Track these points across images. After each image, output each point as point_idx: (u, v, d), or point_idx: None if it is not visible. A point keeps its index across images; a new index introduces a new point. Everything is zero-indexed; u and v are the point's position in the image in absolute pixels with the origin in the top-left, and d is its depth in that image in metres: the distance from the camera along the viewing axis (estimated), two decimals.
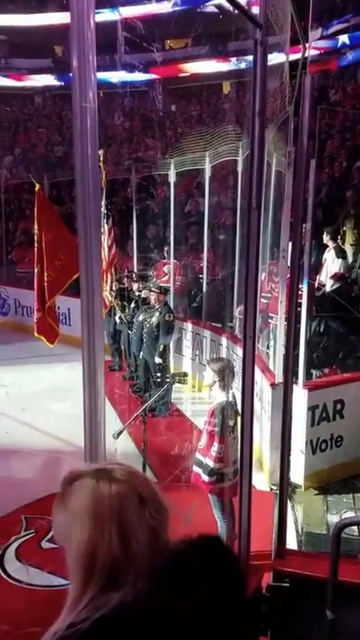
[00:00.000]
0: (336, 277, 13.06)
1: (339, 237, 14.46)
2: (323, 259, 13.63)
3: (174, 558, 2.12)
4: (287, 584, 4.95)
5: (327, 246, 13.65)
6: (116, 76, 30.65)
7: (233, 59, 29.52)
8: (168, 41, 34.62)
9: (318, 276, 13.08)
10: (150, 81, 32.27)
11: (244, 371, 4.79)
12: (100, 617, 1.92)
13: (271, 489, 9.19)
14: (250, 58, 4.59)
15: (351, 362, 11.79)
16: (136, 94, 33.58)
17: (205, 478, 7.14)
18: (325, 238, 13.50)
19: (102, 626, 1.91)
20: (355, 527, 5.99)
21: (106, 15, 24.88)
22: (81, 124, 3.15)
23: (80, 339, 3.46)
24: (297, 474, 9.36)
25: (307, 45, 7.56)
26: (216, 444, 7.06)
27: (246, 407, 4.79)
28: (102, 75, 26.82)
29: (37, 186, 11.54)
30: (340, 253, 13.53)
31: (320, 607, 4.11)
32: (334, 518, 8.78)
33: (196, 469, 7.31)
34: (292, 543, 7.80)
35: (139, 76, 31.91)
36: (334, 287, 12.90)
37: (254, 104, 4.41)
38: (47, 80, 36.14)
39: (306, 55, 7.16)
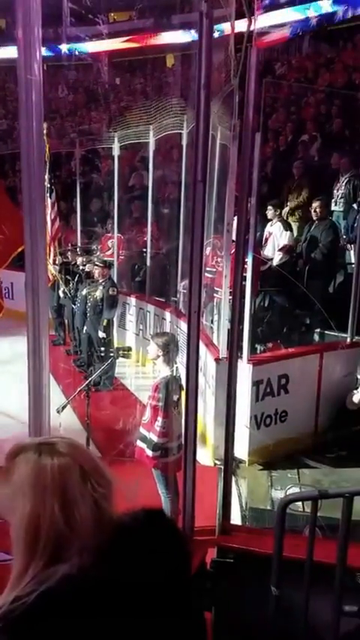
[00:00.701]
0: (285, 250, 13.14)
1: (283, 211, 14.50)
2: (267, 233, 13.63)
3: (118, 531, 2.13)
4: (231, 560, 4.96)
5: (269, 220, 13.64)
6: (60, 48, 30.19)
7: (179, 32, 29.30)
8: (112, 14, 34.33)
9: (262, 251, 13.08)
10: (94, 54, 31.88)
11: (188, 345, 4.77)
12: (45, 590, 1.93)
13: (215, 464, 9.21)
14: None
15: (296, 337, 11.85)
16: (81, 67, 33.23)
17: (149, 453, 7.11)
18: (271, 212, 13.48)
19: (47, 599, 1.92)
20: (299, 503, 6.00)
21: None
22: (26, 96, 3.11)
23: (24, 312, 3.43)
24: (241, 449, 9.37)
25: (252, 18, 7.53)
26: (160, 419, 7.03)
27: (190, 381, 4.78)
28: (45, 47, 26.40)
29: None
30: (287, 226, 13.55)
31: (265, 583, 4.11)
32: (278, 494, 8.80)
33: (140, 444, 7.28)
34: (236, 519, 7.81)
35: (82, 46, 31.46)
36: (283, 260, 12.96)
37: (199, 77, 4.38)
38: None
39: (252, 28, 7.14)
